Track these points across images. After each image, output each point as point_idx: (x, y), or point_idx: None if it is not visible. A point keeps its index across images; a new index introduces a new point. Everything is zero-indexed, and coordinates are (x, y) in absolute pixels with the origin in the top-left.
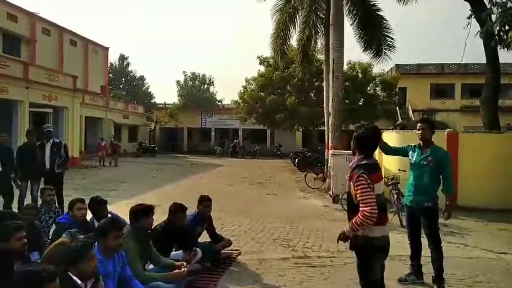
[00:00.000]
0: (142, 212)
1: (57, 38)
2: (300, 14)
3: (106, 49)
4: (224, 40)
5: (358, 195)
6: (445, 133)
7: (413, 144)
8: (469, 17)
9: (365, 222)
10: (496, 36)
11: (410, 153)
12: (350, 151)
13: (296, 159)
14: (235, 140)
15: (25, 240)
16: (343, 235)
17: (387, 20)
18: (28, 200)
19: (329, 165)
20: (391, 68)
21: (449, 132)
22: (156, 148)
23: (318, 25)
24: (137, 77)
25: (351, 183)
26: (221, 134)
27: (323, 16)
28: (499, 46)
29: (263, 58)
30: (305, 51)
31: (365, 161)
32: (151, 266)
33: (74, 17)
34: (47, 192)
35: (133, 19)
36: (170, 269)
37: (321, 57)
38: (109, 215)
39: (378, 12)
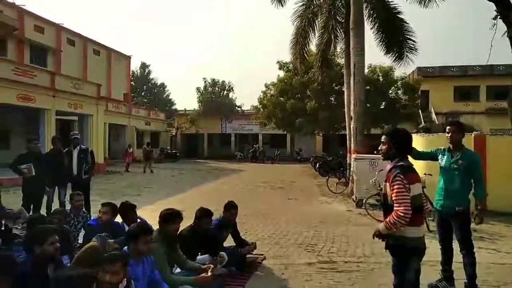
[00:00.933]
0: (170, 217)
1: (81, 48)
2: (319, 19)
3: (128, 58)
4: (243, 46)
5: (393, 195)
6: (472, 136)
7: (442, 148)
8: (494, 18)
9: (398, 222)
10: None
11: (440, 156)
12: (373, 155)
13: (317, 164)
14: (255, 145)
15: (58, 244)
16: (377, 233)
17: (408, 23)
18: (55, 206)
19: (351, 169)
20: (413, 71)
21: (476, 135)
22: (178, 154)
23: (338, 30)
24: (158, 85)
25: (387, 184)
26: (241, 139)
27: (342, 21)
28: None
29: (283, 63)
30: (324, 55)
31: (401, 163)
32: (177, 270)
33: (98, 28)
34: (76, 197)
35: (156, 30)
36: (197, 273)
37: (341, 61)
38: (139, 220)
39: (398, 15)
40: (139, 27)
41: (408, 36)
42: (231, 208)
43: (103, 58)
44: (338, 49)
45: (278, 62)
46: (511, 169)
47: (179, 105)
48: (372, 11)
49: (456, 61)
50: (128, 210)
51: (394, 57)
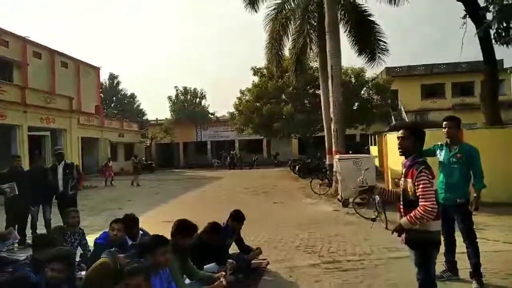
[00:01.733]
0: (186, 230)
1: (48, 61)
2: (292, 24)
3: (97, 69)
4: (213, 53)
5: (419, 190)
6: None
7: (439, 143)
8: (464, 17)
9: (425, 216)
10: (495, 34)
11: (438, 151)
12: (357, 155)
13: (297, 167)
14: (232, 152)
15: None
16: (399, 228)
17: (378, 25)
18: (40, 225)
19: (334, 169)
20: (382, 72)
21: None
22: (154, 165)
23: (312, 33)
24: (127, 95)
25: (408, 179)
26: (217, 146)
27: (315, 24)
28: (498, 43)
29: (257, 68)
30: (299, 59)
31: (421, 159)
32: (187, 280)
33: (63, 39)
34: (72, 214)
35: (120, 37)
36: (208, 282)
37: (314, 64)
38: (141, 232)
39: (369, 18)
40: (106, 36)
41: (379, 38)
42: (240, 219)
43: (71, 70)
44: (312, 53)
45: (252, 68)
46: (486, 160)
47: (151, 115)
48: (344, 14)
49: (424, 60)
50: (131, 222)
51: (367, 58)
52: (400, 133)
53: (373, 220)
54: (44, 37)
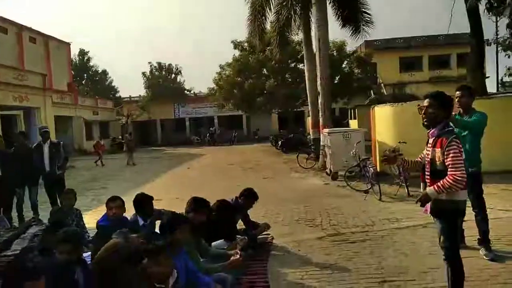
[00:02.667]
0: (200, 206)
1: (15, 36)
2: None
3: (67, 45)
4: (188, 29)
5: (449, 160)
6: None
7: (453, 113)
8: None
9: (454, 186)
10: (487, 4)
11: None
12: (346, 128)
13: (279, 142)
14: (211, 128)
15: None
16: (424, 197)
17: None
18: (26, 207)
19: (322, 143)
20: (360, 45)
21: None
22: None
23: (296, 5)
24: (99, 72)
25: (437, 149)
26: (195, 123)
27: None
28: (490, 13)
29: (238, 42)
30: (282, 32)
31: (449, 128)
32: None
33: (32, 14)
34: (68, 195)
35: (90, 10)
36: (223, 259)
37: (296, 37)
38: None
39: None
40: (76, 10)
41: (364, 9)
42: (252, 197)
43: (41, 46)
44: (294, 26)
45: (233, 41)
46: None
47: (124, 92)
48: None
49: (403, 33)
50: (146, 201)
51: (351, 31)
52: (425, 102)
53: (366, 192)
54: (12, 13)
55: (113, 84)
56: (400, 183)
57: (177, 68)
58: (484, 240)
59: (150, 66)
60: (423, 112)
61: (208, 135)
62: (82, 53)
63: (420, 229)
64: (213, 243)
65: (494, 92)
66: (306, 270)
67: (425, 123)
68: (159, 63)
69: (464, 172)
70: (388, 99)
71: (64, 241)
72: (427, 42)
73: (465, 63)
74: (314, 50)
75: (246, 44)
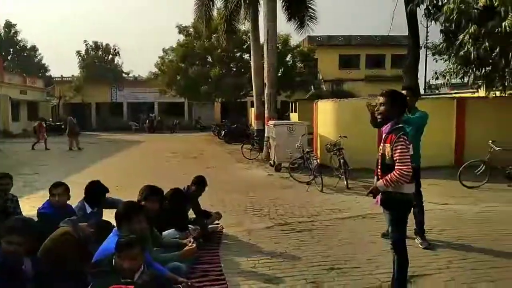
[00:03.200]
0: (151, 193)
1: None
2: None
3: None
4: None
5: (396, 155)
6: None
7: None
8: None
9: (401, 180)
10: (425, 10)
11: None
12: (290, 121)
13: (222, 132)
14: (151, 115)
15: None
16: (375, 190)
17: None
18: None
19: (266, 135)
20: (303, 40)
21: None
22: (63, 126)
23: None
24: (28, 48)
25: (387, 144)
26: (134, 108)
27: None
28: (428, 19)
29: (183, 27)
30: (230, 20)
31: (400, 125)
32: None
33: None
34: (5, 180)
35: None
36: (175, 249)
37: (242, 27)
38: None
39: None
40: None
41: (309, 5)
42: (203, 184)
43: None
44: (242, 15)
45: (178, 26)
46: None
47: (55, 71)
48: None
49: (348, 31)
50: (101, 192)
51: (296, 25)
52: (380, 99)
53: (308, 183)
54: None
55: (43, 62)
56: (340, 175)
57: (115, 49)
58: (420, 230)
59: (86, 45)
60: (376, 108)
61: (147, 121)
62: (8, 25)
63: (361, 220)
64: (164, 233)
65: (423, 93)
66: (257, 258)
67: (379, 119)
68: (95, 43)
69: (410, 166)
70: (327, 95)
71: (14, 230)
72: (365, 42)
73: (398, 64)
74: (261, 41)
75: (191, 29)
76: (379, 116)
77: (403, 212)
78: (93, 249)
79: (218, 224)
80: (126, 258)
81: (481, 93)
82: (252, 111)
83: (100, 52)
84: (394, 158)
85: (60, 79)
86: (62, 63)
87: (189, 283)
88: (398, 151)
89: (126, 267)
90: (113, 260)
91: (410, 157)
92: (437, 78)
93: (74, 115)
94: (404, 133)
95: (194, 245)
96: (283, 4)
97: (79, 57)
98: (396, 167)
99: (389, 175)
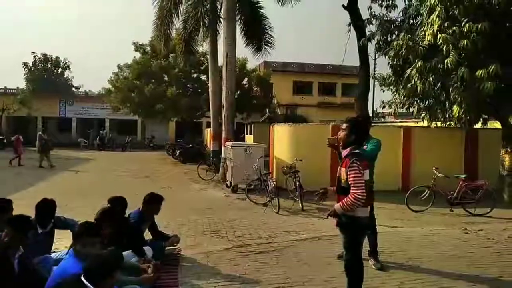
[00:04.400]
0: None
1: None
2: (184, 4)
3: None
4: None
5: (350, 179)
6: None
7: None
8: (349, 25)
9: (355, 203)
10: (376, 44)
11: None
12: (248, 143)
13: (177, 151)
14: (101, 132)
15: None
16: (333, 213)
17: (268, 18)
18: None
19: (223, 156)
20: (260, 64)
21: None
22: (5, 141)
23: (206, 17)
24: None
25: (343, 169)
26: (84, 124)
27: (209, 9)
28: (378, 52)
29: (139, 44)
30: (188, 41)
31: (357, 151)
32: None
33: None
34: None
35: None
36: (135, 273)
37: (200, 48)
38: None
39: (260, 10)
40: None
41: (267, 31)
42: (155, 201)
43: None
44: (200, 37)
45: (134, 43)
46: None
47: None
48: (238, 3)
49: (303, 58)
50: (52, 208)
51: (254, 49)
52: (343, 125)
53: (265, 205)
54: None
55: None
56: (295, 198)
57: (65, 62)
58: (373, 252)
59: (34, 57)
60: (339, 136)
61: (98, 138)
62: None
63: (317, 241)
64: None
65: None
66: (217, 281)
67: (340, 145)
68: (44, 55)
69: (363, 191)
70: (281, 119)
71: None
72: (318, 70)
73: (349, 92)
74: (220, 63)
75: (148, 47)
76: (340, 143)
77: (358, 235)
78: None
79: (176, 246)
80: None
81: (425, 123)
82: (208, 132)
83: (49, 65)
84: (349, 183)
85: (3, 90)
86: (7, 75)
87: None
88: (352, 175)
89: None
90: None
91: (363, 182)
92: (384, 107)
93: (15, 129)
94: (357, 158)
95: (152, 274)
96: (241, 29)
97: (26, 69)
98: (351, 191)
99: (345, 199)
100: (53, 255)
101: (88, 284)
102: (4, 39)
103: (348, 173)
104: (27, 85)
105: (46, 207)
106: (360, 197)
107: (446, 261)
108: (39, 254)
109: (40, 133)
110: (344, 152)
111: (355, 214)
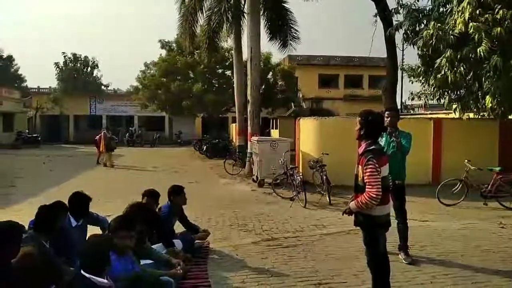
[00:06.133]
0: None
1: None
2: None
3: None
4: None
5: (365, 178)
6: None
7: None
8: (375, 15)
9: (369, 202)
10: (404, 34)
11: (379, 139)
12: (274, 138)
13: (204, 147)
14: (131, 128)
15: None
16: (348, 211)
17: (292, 12)
18: None
19: (249, 151)
20: (284, 58)
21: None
22: (40, 138)
23: (229, 13)
24: (3, 57)
25: (359, 166)
26: (113, 122)
27: (233, 4)
28: (406, 43)
29: (165, 42)
30: (212, 37)
31: (373, 146)
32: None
33: None
34: None
35: None
36: (166, 265)
37: (225, 44)
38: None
39: (284, 4)
40: None
41: (292, 25)
42: (177, 192)
43: None
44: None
45: (160, 40)
46: None
47: (31, 82)
48: None
49: (328, 51)
50: (85, 202)
51: (279, 45)
52: (357, 119)
53: (292, 199)
54: None
55: (19, 72)
56: (322, 192)
57: (94, 61)
58: (404, 246)
59: (64, 57)
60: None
61: (127, 135)
62: None
63: (345, 235)
64: (153, 246)
65: (401, 113)
66: (245, 274)
67: (356, 138)
68: (74, 54)
69: (379, 189)
70: (307, 113)
71: None
72: (344, 62)
73: (376, 84)
74: (244, 59)
75: (174, 44)
76: (356, 136)
77: (375, 234)
78: None
79: (205, 240)
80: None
81: (456, 114)
82: (234, 127)
83: (78, 64)
84: (364, 181)
85: (36, 90)
86: (40, 74)
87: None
88: (368, 173)
89: None
90: None
91: (379, 180)
92: (413, 99)
93: (48, 127)
94: (373, 156)
95: (181, 271)
96: (265, 23)
97: (57, 69)
98: (366, 190)
99: (359, 198)
100: None
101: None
102: (37, 39)
103: (364, 171)
104: (59, 84)
105: (77, 200)
106: (375, 196)
107: (480, 256)
108: (72, 248)
109: (104, 131)
110: (360, 149)
111: (371, 213)
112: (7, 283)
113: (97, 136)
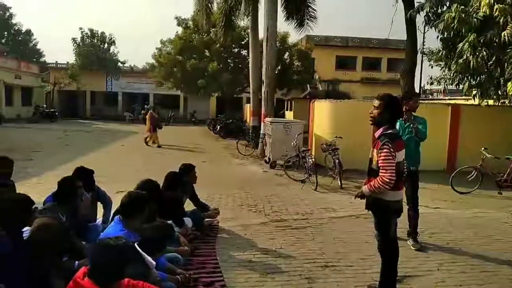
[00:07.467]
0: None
1: None
2: None
3: None
4: None
5: (380, 162)
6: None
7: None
8: None
9: (382, 187)
10: (425, 16)
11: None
12: (287, 119)
13: (218, 127)
14: (146, 106)
15: None
16: (360, 194)
17: None
18: None
19: (262, 131)
20: (302, 39)
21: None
22: (57, 113)
23: None
24: (23, 32)
25: (374, 150)
26: (129, 99)
27: None
28: (428, 25)
29: (182, 19)
30: (229, 15)
31: (390, 131)
32: None
33: None
34: (6, 163)
35: None
36: (175, 241)
37: (241, 23)
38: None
39: None
40: None
41: (309, 4)
42: (188, 170)
43: None
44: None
45: (176, 17)
46: None
47: (49, 57)
48: None
49: (347, 32)
50: (90, 172)
51: (296, 24)
52: (375, 102)
53: (303, 182)
54: None
55: (38, 47)
56: (334, 175)
57: (111, 38)
58: (413, 232)
59: (82, 32)
60: (370, 111)
61: (142, 112)
62: (4, 8)
63: (355, 220)
64: None
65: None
66: (253, 253)
67: (370, 123)
68: (91, 30)
69: (392, 174)
70: (323, 95)
71: None
72: (362, 44)
73: (394, 67)
74: (260, 38)
75: (190, 22)
76: (370, 120)
77: (387, 218)
78: None
79: (214, 218)
80: None
81: (476, 101)
82: (248, 107)
83: (95, 40)
84: (379, 165)
85: (55, 65)
86: (57, 49)
87: (187, 275)
88: (382, 158)
89: None
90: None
91: (394, 165)
92: (432, 84)
93: (65, 103)
94: (389, 140)
95: (187, 248)
96: (282, 2)
97: (75, 45)
98: (379, 174)
99: (372, 181)
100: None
101: (143, 253)
102: (54, 15)
103: (379, 155)
104: (76, 60)
105: (83, 174)
106: (388, 180)
107: (491, 245)
108: (84, 221)
109: (150, 110)
110: (377, 133)
111: (383, 197)
112: (20, 250)
113: (148, 113)
